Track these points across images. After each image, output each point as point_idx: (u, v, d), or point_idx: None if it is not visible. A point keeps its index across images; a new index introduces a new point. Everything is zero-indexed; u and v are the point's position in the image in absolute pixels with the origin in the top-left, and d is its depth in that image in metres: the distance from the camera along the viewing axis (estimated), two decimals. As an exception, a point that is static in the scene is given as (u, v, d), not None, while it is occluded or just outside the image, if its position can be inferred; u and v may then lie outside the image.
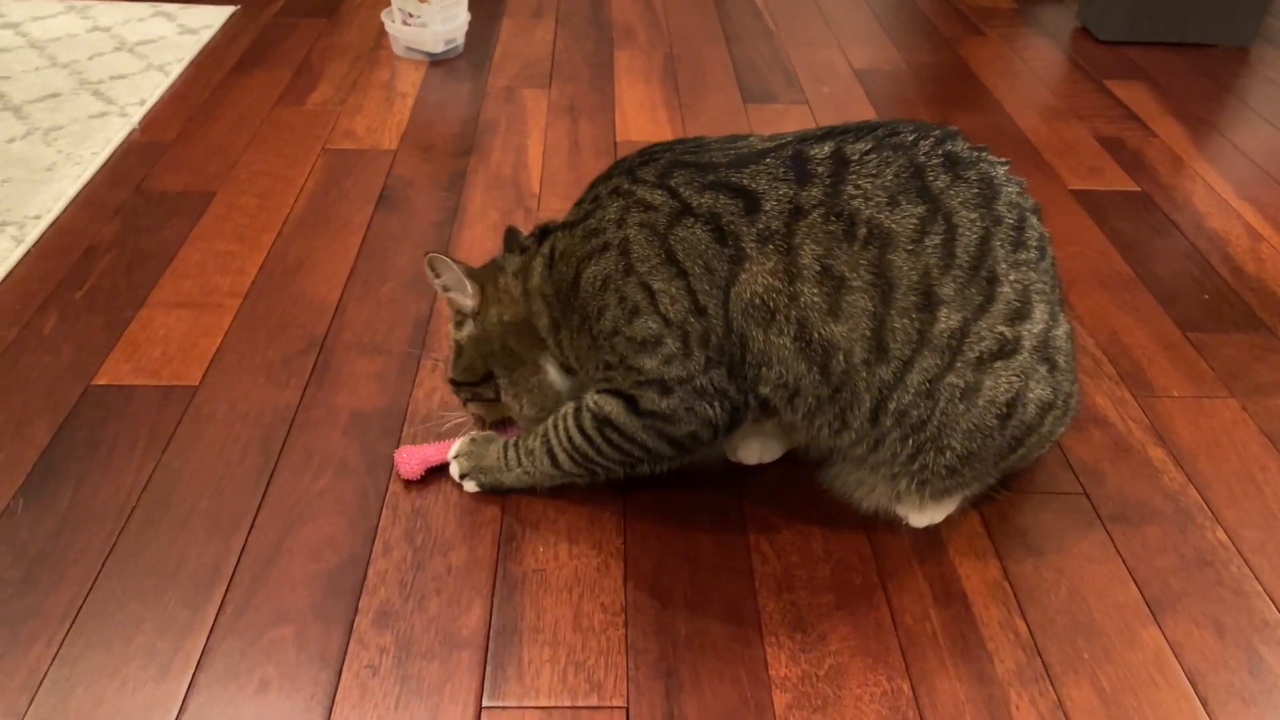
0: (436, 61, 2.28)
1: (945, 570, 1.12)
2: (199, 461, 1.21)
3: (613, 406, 1.07)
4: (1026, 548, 1.15)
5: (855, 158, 1.00)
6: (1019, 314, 1.01)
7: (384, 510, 1.16)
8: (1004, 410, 1.03)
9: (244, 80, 2.16)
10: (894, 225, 0.98)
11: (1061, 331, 1.05)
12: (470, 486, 1.17)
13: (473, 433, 1.20)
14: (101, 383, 1.31)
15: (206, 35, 2.31)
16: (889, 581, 1.10)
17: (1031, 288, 1.02)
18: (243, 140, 1.92)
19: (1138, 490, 1.23)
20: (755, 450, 1.24)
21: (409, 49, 2.28)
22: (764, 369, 1.02)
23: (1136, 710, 0.98)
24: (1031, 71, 2.38)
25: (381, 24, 2.32)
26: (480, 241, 1.65)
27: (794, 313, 0.99)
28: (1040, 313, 1.02)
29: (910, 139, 1.02)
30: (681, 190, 1.02)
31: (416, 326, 1.45)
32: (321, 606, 1.04)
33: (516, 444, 1.15)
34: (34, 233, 1.59)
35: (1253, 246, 1.72)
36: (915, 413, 1.02)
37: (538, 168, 1.87)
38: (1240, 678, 1.01)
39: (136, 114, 1.95)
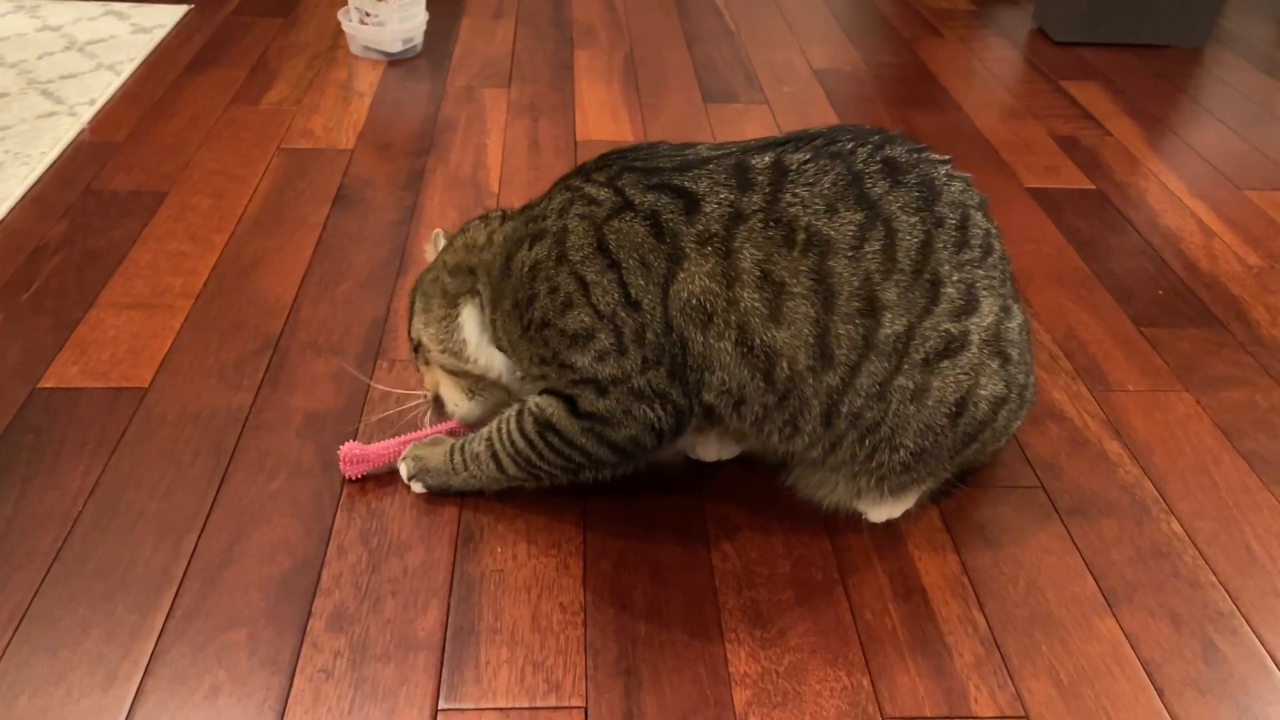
0: (395, 61, 2.26)
1: (905, 565, 1.12)
2: (149, 464, 1.18)
3: (553, 408, 1.06)
4: (985, 541, 1.15)
5: (794, 167, 1.01)
6: (964, 310, 1.01)
7: (339, 512, 1.14)
8: (954, 409, 1.03)
9: (198, 79, 2.12)
10: (832, 232, 0.98)
11: (1015, 324, 1.05)
12: (418, 488, 1.16)
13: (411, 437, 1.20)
14: (48, 385, 1.29)
15: (159, 34, 2.28)
16: (849, 577, 1.10)
17: (977, 284, 1.02)
18: (196, 140, 1.89)
19: (1094, 483, 1.24)
20: (714, 448, 1.23)
21: (367, 48, 2.26)
22: (706, 374, 1.01)
23: (1094, 701, 0.98)
24: (989, 72, 2.40)
25: (339, 23, 2.30)
26: (438, 241, 1.63)
27: (733, 317, 0.98)
28: (988, 306, 1.02)
29: (848, 147, 1.02)
30: (626, 190, 1.03)
31: (373, 326, 1.43)
32: (274, 610, 1.02)
33: (462, 447, 1.13)
34: (-21, 233, 1.55)
35: (1206, 243, 1.74)
36: (869, 414, 1.02)
37: (497, 167, 1.86)
38: (1195, 667, 1.02)
39: (86, 113, 1.92)
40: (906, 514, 1.17)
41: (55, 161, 1.77)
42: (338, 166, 1.83)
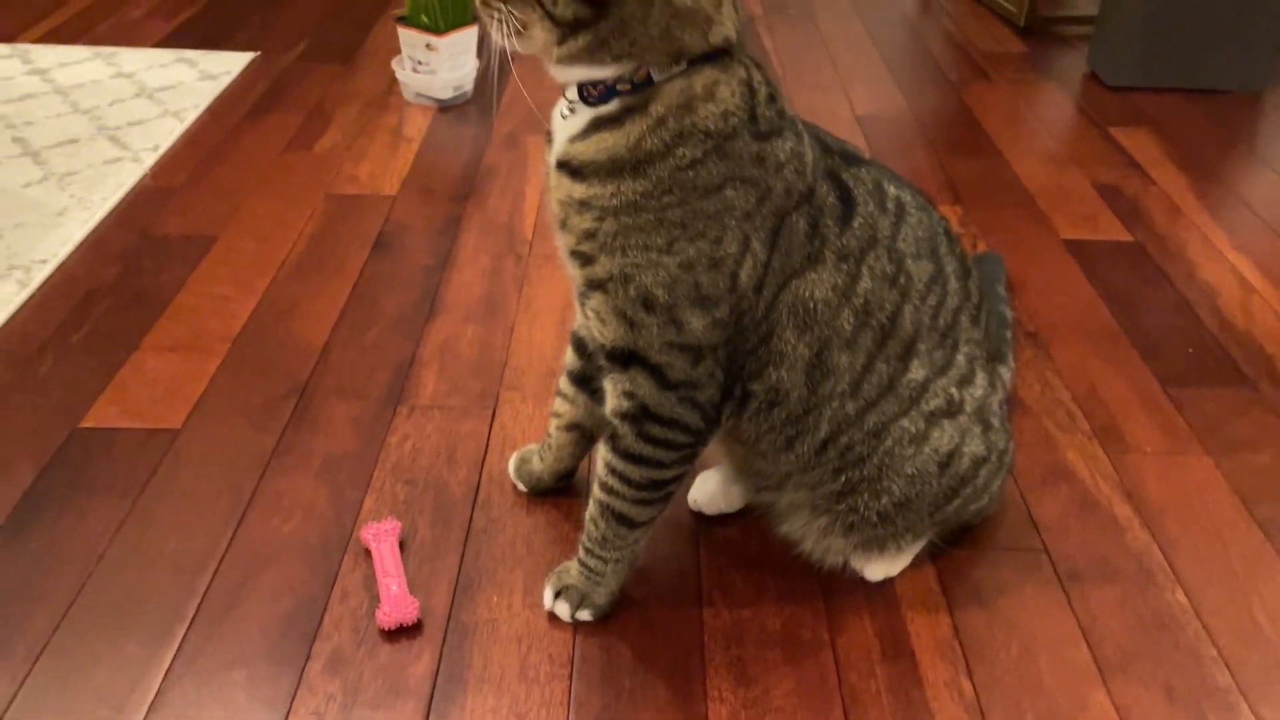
0: (445, 107, 2.33)
1: (896, 626, 1.12)
2: (173, 504, 1.24)
3: (642, 389, 0.99)
4: (980, 604, 1.15)
5: (909, 210, 1.04)
6: (966, 379, 1.08)
7: (346, 556, 1.18)
8: (945, 459, 1.07)
9: (256, 125, 2.22)
10: (917, 277, 1.03)
11: (996, 400, 1.12)
12: (586, 616, 1.11)
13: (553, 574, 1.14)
14: (87, 425, 1.36)
15: (225, 81, 2.39)
16: (839, 636, 1.11)
17: (976, 360, 1.09)
18: (249, 185, 1.97)
19: (1100, 548, 1.22)
20: (717, 499, 1.25)
21: (419, 95, 2.33)
22: (770, 368, 1.01)
23: (1075, 775, 0.97)
24: (1036, 117, 2.38)
25: (393, 71, 2.38)
26: (469, 286, 1.69)
27: (826, 332, 1.00)
28: (980, 380, 1.09)
29: (929, 205, 1.08)
30: (815, 162, 0.98)
31: (397, 372, 1.48)
32: (276, 651, 1.07)
33: (588, 550, 1.10)
34: (39, 276, 1.65)
35: (1244, 299, 1.70)
36: (859, 449, 1.05)
37: (532, 214, 1.91)
38: (1185, 744, 1.00)
39: (149, 159, 2.02)
40: (903, 573, 1.17)
41: (116, 207, 1.87)
42: (380, 212, 1.90)
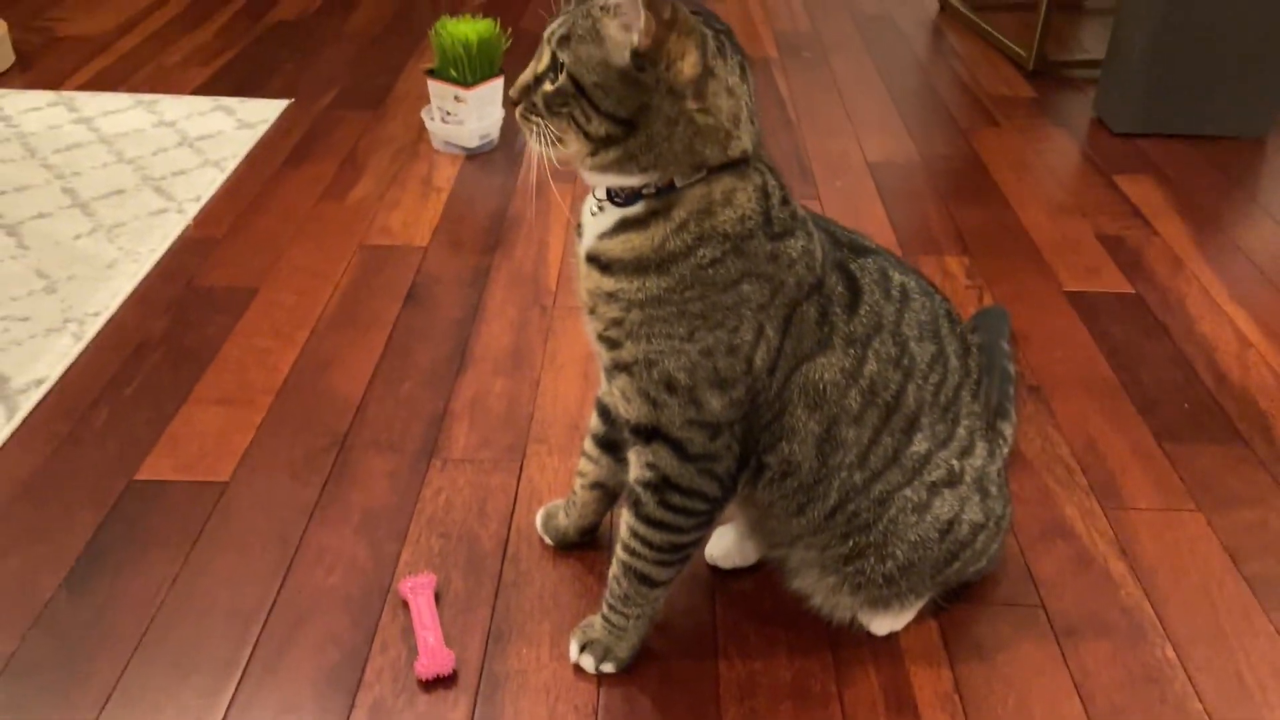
0: (472, 155, 2.42)
1: (900, 679, 1.20)
2: (224, 556, 1.33)
3: (663, 461, 1.08)
4: (980, 659, 1.22)
5: (914, 296, 1.13)
6: (966, 451, 1.15)
7: (385, 608, 1.27)
8: (945, 527, 1.14)
9: (293, 175, 2.31)
10: (920, 358, 1.11)
11: (995, 469, 1.19)
12: (609, 668, 1.19)
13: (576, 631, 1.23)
14: (142, 478, 1.45)
15: (261, 129, 2.49)
16: (846, 689, 1.18)
17: (976, 431, 1.16)
18: (287, 236, 2.07)
19: (1094, 604, 1.30)
20: (732, 554, 1.33)
21: (447, 143, 2.43)
22: (784, 442, 1.10)
23: (1065, 825, 1.05)
24: (1043, 164, 2.45)
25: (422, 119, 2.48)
26: (497, 339, 1.77)
27: (835, 410, 1.09)
28: (980, 450, 1.16)
29: (930, 288, 1.16)
30: (824, 256, 1.07)
31: (430, 424, 1.57)
32: (322, 700, 1.15)
33: (610, 606, 1.18)
34: (92, 329, 1.74)
35: (1240, 353, 1.77)
36: (865, 515, 1.13)
37: (556, 264, 1.99)
38: (1168, 797, 1.08)
39: (192, 210, 2.12)
40: (907, 628, 1.25)
41: (162, 259, 1.97)
42: (412, 263, 1.99)
